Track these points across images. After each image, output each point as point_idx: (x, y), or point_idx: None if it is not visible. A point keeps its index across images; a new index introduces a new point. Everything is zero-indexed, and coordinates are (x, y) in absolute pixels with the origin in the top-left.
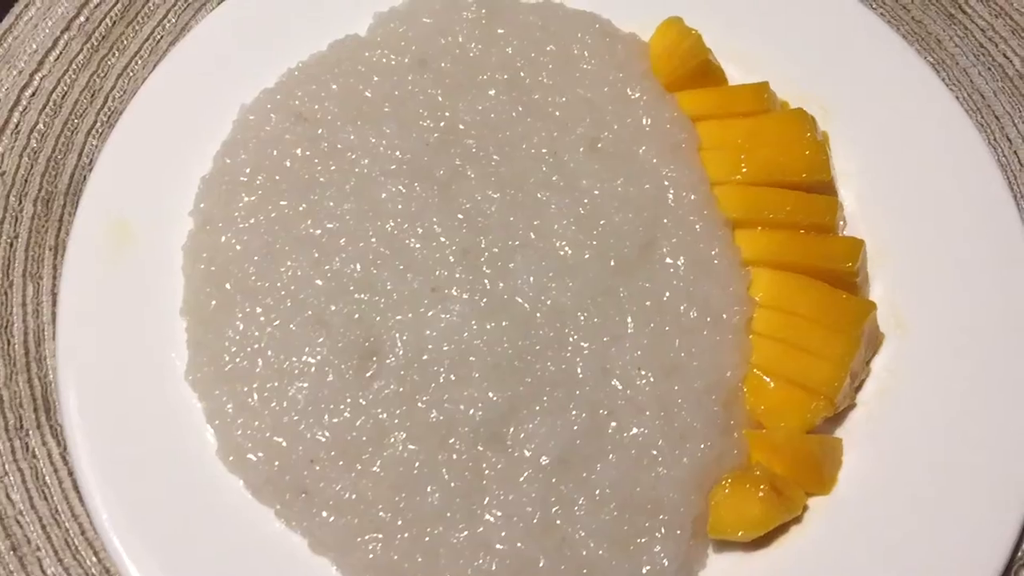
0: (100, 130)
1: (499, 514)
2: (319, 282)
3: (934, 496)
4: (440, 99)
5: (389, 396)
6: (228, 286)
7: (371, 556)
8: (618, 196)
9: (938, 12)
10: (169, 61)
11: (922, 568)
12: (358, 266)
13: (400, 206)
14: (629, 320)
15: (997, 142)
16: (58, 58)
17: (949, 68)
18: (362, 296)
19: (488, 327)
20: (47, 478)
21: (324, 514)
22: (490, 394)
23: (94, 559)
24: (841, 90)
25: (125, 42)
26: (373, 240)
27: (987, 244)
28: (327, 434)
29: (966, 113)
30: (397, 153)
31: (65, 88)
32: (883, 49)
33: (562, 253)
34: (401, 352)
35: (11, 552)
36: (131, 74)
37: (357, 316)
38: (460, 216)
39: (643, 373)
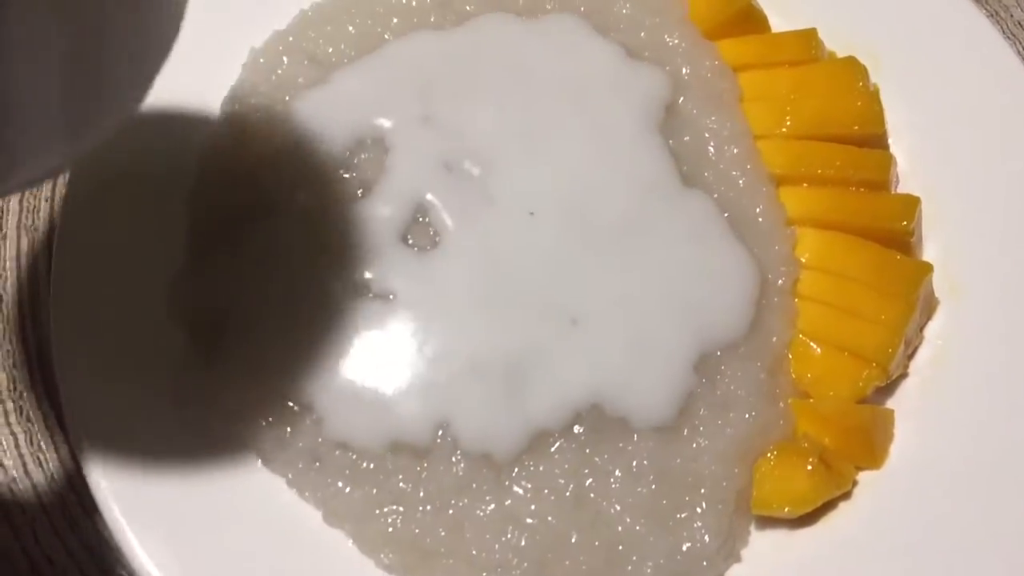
0: None
1: (529, 486)
2: None
3: (992, 472)
4: None
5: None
6: (236, 239)
7: (390, 529)
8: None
9: None
10: None
11: (980, 548)
12: None
13: None
14: None
15: None
16: None
17: (1004, 20)
18: None
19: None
20: (43, 443)
21: (340, 484)
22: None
23: (92, 529)
24: (892, 41)
25: None
26: None
27: None
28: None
29: None
30: None
31: None
32: None
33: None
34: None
35: (3, 521)
36: None
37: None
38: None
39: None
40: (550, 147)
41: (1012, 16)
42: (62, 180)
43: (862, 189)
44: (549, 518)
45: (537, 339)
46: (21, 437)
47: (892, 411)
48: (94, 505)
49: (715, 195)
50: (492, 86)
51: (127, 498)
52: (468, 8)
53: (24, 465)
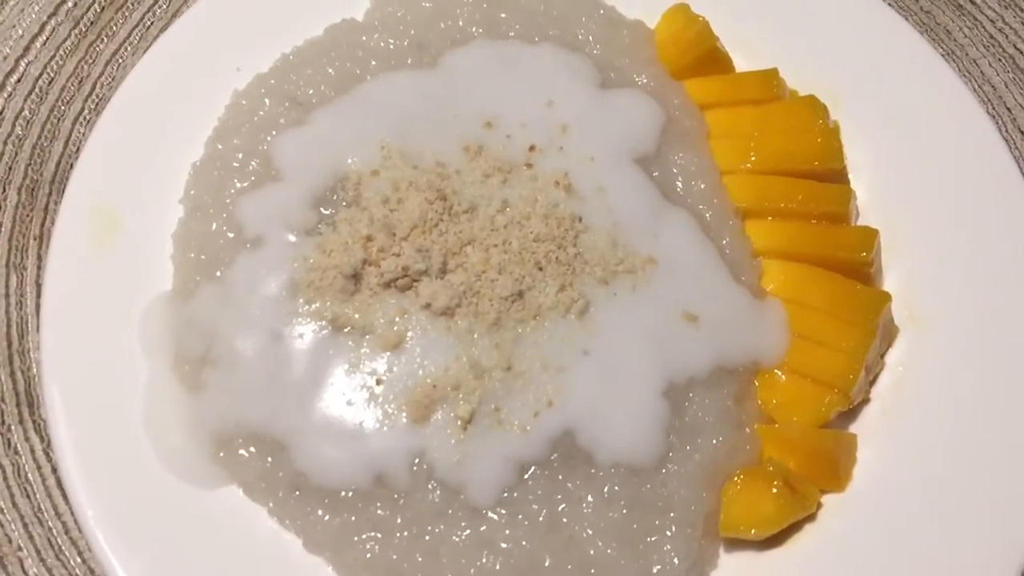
0: (88, 117)
1: (503, 512)
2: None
3: (951, 493)
4: None
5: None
6: (219, 274)
7: (368, 556)
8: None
9: (947, 2)
10: (159, 45)
11: (940, 567)
12: None
13: None
14: None
15: (1009, 134)
16: (45, 43)
17: (959, 59)
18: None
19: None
20: (30, 475)
21: (319, 512)
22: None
23: (78, 559)
24: (851, 80)
25: (114, 28)
26: None
27: (1000, 236)
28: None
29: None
30: None
31: (51, 74)
32: (894, 38)
33: None
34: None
35: None
36: (120, 61)
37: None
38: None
39: None
40: (530, 179)
41: (967, 55)
42: (49, 221)
43: (824, 222)
44: (523, 543)
45: (514, 367)
46: (9, 469)
47: (855, 435)
48: (81, 535)
49: None
50: (465, 124)
51: (112, 527)
52: (443, 50)
53: (12, 497)
